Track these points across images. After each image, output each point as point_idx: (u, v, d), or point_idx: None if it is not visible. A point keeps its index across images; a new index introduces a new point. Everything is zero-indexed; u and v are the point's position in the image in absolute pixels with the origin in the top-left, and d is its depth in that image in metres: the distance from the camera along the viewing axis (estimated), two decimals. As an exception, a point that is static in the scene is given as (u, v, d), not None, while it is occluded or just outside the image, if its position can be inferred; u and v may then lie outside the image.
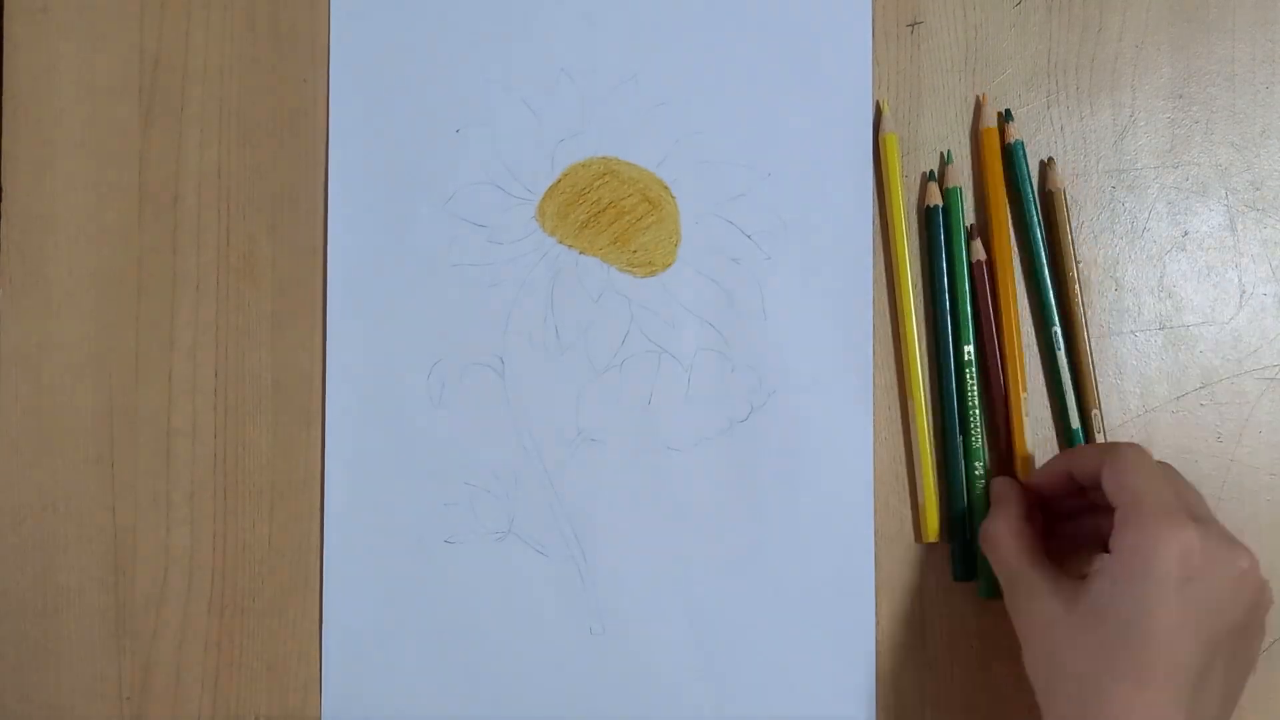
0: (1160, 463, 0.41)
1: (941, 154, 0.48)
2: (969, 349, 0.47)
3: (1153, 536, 0.36)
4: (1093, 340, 0.47)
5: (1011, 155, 0.47)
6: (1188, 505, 0.38)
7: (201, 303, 0.48)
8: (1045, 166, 0.47)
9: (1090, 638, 0.37)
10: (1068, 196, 0.47)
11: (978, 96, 0.48)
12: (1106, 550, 0.38)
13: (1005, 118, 0.47)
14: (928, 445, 0.47)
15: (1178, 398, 0.48)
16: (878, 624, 0.47)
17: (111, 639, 0.47)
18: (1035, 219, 0.47)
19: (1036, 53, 0.48)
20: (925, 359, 0.47)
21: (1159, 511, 0.37)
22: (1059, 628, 0.38)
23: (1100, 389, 0.48)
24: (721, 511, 0.47)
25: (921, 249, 0.47)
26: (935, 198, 0.47)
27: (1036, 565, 0.41)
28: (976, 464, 0.46)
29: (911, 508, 0.47)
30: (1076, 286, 0.47)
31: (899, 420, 0.47)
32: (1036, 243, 0.47)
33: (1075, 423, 0.46)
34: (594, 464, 0.47)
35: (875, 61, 0.48)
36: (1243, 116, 0.49)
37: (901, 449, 0.47)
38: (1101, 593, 0.37)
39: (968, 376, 0.47)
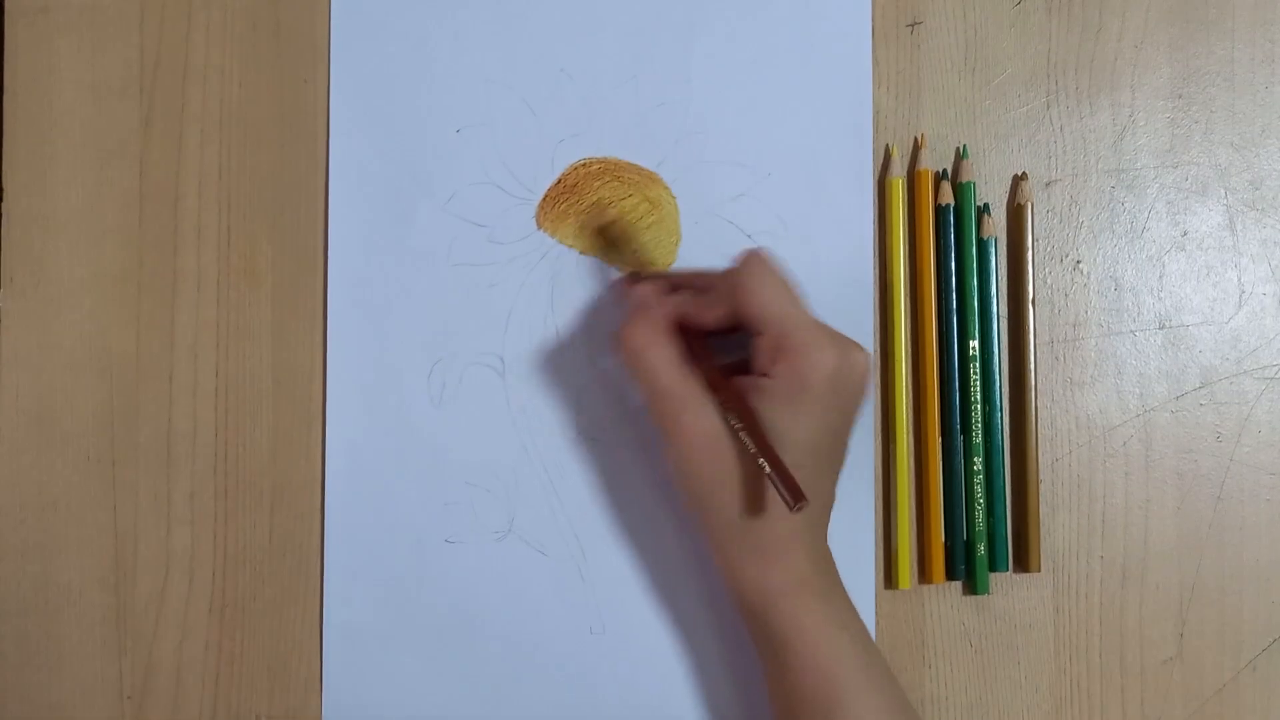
0: (765, 259, 0.41)
1: (957, 149, 0.48)
2: (974, 344, 0.47)
3: (807, 362, 0.40)
4: (1094, 341, 0.47)
5: (961, 196, 0.47)
6: (809, 312, 0.41)
7: (202, 303, 0.48)
8: (980, 212, 0.47)
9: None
10: (1032, 213, 0.47)
11: (915, 137, 0.48)
12: (746, 366, 0.42)
13: (961, 154, 0.48)
14: (905, 445, 0.47)
15: (1177, 397, 0.48)
16: (877, 624, 0.47)
17: (112, 639, 0.47)
18: (968, 267, 0.47)
19: (1036, 53, 0.48)
20: (937, 357, 0.47)
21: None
22: (721, 442, 0.40)
23: (1100, 388, 0.48)
24: (721, 511, 0.47)
25: (935, 247, 0.47)
26: (947, 197, 0.47)
27: (688, 379, 0.41)
28: (976, 460, 0.46)
29: (888, 508, 0.47)
30: (996, 325, 0.47)
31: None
32: (969, 294, 0.47)
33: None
34: (594, 464, 0.47)
35: (875, 61, 0.48)
36: (1242, 116, 0.49)
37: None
38: (761, 412, 0.40)
39: (971, 372, 0.47)
